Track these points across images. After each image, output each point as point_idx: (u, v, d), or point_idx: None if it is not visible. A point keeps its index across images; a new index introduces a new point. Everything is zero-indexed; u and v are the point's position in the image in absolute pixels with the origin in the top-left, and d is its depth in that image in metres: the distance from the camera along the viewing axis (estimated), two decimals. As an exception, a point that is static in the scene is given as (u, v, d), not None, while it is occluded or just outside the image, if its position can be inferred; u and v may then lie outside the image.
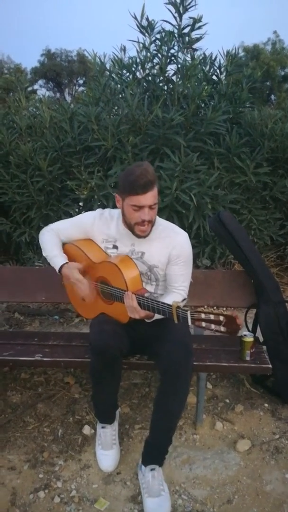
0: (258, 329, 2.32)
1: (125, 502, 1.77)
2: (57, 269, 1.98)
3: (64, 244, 2.05)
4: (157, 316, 1.82)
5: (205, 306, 1.53)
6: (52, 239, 2.03)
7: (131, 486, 1.84)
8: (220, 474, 1.91)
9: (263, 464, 1.96)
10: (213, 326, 1.50)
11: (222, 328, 1.48)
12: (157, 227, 1.92)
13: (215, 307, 1.51)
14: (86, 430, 2.15)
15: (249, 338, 2.05)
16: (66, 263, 1.97)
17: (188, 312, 1.55)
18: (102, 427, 1.99)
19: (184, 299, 1.91)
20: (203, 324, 1.52)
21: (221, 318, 1.48)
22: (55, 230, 2.04)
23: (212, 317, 1.49)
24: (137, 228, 1.82)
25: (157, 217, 1.97)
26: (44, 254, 2.04)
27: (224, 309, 1.50)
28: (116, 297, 1.86)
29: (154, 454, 1.82)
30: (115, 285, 1.86)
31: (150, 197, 1.76)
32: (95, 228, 1.96)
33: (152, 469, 1.78)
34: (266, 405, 2.34)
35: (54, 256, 2.00)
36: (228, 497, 1.79)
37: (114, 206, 1.99)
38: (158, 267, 1.91)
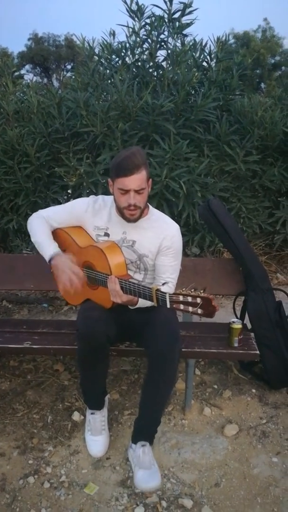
0: (246, 317, 2.35)
1: (115, 486, 1.79)
2: (47, 257, 1.91)
3: (54, 230, 2.03)
4: (140, 304, 1.83)
5: (183, 289, 1.53)
6: (42, 225, 1.98)
7: (120, 471, 1.87)
8: (208, 458, 1.94)
9: (250, 448, 2.00)
10: (190, 309, 1.51)
11: (199, 311, 1.49)
12: (150, 216, 1.92)
13: (193, 290, 1.52)
14: (76, 416, 2.16)
15: (237, 325, 2.07)
16: (59, 254, 1.89)
17: (167, 295, 1.56)
18: (91, 413, 2.01)
19: (164, 283, 1.86)
20: (181, 306, 1.53)
21: (198, 300, 1.48)
22: (45, 217, 1.99)
23: (189, 299, 1.50)
24: (126, 212, 1.82)
25: (151, 207, 1.97)
26: (32, 239, 1.98)
27: (202, 291, 1.50)
28: (100, 282, 1.86)
29: (144, 431, 1.86)
30: (99, 269, 1.86)
31: (135, 180, 1.75)
32: (87, 215, 1.95)
33: (143, 445, 1.83)
34: (253, 390, 2.37)
35: (43, 243, 1.93)
36: (216, 481, 1.83)
37: (104, 193, 1.97)
38: (148, 257, 1.91)
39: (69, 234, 1.98)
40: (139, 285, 1.71)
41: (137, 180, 1.75)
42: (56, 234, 2.02)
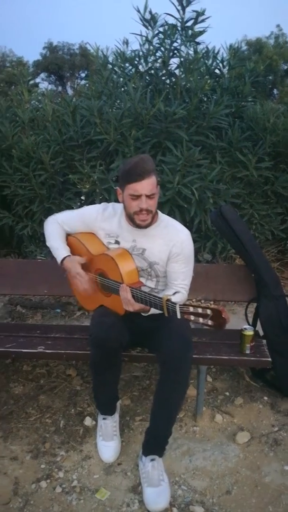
0: (258, 323, 2.34)
1: (126, 492, 1.80)
2: (59, 261, 2.01)
3: (67, 236, 2.07)
4: (153, 311, 1.84)
5: (193, 300, 1.53)
6: (57, 230, 2.06)
7: (131, 476, 1.87)
8: (219, 466, 1.93)
9: (262, 456, 1.99)
10: (201, 320, 1.50)
11: (210, 322, 1.49)
12: (159, 223, 1.93)
13: (203, 300, 1.51)
14: (88, 421, 2.17)
15: (249, 332, 2.06)
16: (69, 256, 1.99)
17: (177, 306, 1.56)
18: (103, 419, 2.02)
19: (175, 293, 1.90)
20: (192, 317, 1.52)
21: (208, 311, 1.48)
22: (60, 222, 2.06)
23: (200, 310, 1.49)
24: (137, 218, 1.83)
25: (160, 213, 1.98)
26: (47, 244, 2.07)
27: (212, 302, 1.50)
28: (113, 290, 1.88)
29: (154, 444, 1.85)
30: (112, 277, 1.88)
31: (146, 185, 1.77)
32: (97, 223, 1.98)
33: (152, 460, 1.81)
34: (265, 398, 2.36)
35: (58, 247, 2.02)
36: (227, 488, 1.82)
37: (116, 200, 2.00)
38: (158, 264, 1.92)
39: (81, 242, 2.01)
40: (150, 294, 1.71)
41: (148, 185, 1.77)
42: (70, 242, 2.06)
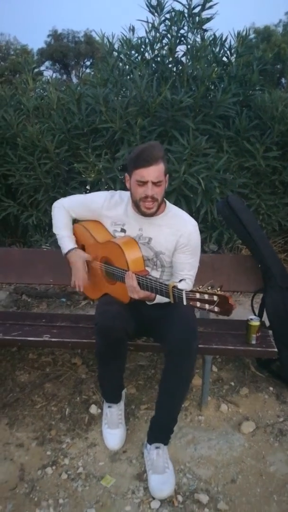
0: (264, 314, 2.33)
1: (131, 479, 1.81)
2: (64, 252, 2.02)
3: (73, 223, 2.09)
4: (158, 300, 1.84)
5: (200, 286, 1.52)
6: (64, 217, 2.07)
7: (136, 464, 1.88)
8: (224, 455, 1.94)
9: (267, 445, 1.99)
10: (207, 306, 1.50)
11: (216, 308, 1.48)
12: (166, 213, 1.92)
13: (209, 287, 1.51)
14: (93, 409, 2.18)
15: (255, 322, 2.06)
16: (75, 248, 2.01)
17: (183, 292, 1.56)
18: (109, 407, 2.03)
19: (181, 280, 1.90)
20: (198, 304, 1.52)
21: (215, 298, 1.47)
22: (66, 207, 2.07)
23: (206, 297, 1.49)
24: (142, 205, 1.82)
25: (168, 203, 1.96)
26: (54, 230, 2.09)
27: (218, 289, 1.49)
28: (118, 277, 1.87)
29: (159, 432, 1.86)
30: (117, 265, 1.88)
31: (153, 172, 1.75)
32: (104, 210, 1.97)
33: (157, 447, 1.82)
34: (271, 388, 2.36)
35: (64, 236, 2.05)
36: (232, 477, 1.83)
37: (122, 189, 1.98)
38: (164, 254, 1.92)
39: (88, 229, 2.01)
40: (156, 281, 1.71)
41: (156, 171, 1.76)
42: (76, 229, 2.06)
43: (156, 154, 1.75)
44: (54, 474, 1.84)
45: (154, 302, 1.87)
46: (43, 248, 3.55)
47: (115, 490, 1.76)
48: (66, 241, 2.04)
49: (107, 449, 1.95)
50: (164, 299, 1.74)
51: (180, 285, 1.63)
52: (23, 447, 1.97)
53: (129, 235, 1.92)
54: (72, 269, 2.03)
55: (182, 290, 1.57)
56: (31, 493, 1.75)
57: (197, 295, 1.52)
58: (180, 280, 1.77)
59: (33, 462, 1.90)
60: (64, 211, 2.06)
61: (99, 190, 3.26)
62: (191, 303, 1.54)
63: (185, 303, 1.56)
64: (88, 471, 1.85)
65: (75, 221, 2.11)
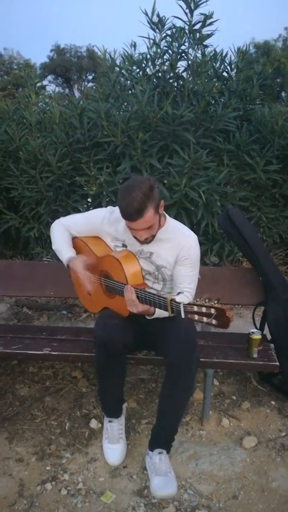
0: (266, 327, 2.32)
1: (131, 495, 1.79)
2: (64, 262, 2.00)
3: (73, 238, 2.08)
4: (158, 314, 1.84)
5: (197, 299, 1.53)
6: (62, 233, 2.05)
7: (137, 480, 1.86)
8: (226, 470, 1.91)
9: (269, 461, 1.97)
10: (205, 319, 1.51)
11: (214, 321, 1.49)
12: (166, 228, 1.93)
13: (207, 300, 1.52)
14: (93, 424, 2.17)
15: (257, 336, 2.05)
16: (73, 256, 1.99)
17: (181, 305, 1.56)
18: (109, 421, 2.01)
19: (179, 293, 1.89)
20: (196, 317, 1.53)
21: (212, 311, 1.49)
22: (66, 225, 2.06)
23: (204, 310, 1.50)
24: (138, 239, 1.85)
25: (168, 217, 1.97)
26: (53, 247, 2.07)
27: (216, 302, 1.50)
28: (117, 291, 1.88)
29: (161, 439, 1.86)
30: (116, 279, 1.88)
31: (141, 224, 1.74)
32: (104, 226, 1.98)
33: (159, 453, 1.83)
34: (272, 402, 2.34)
35: (62, 249, 2.02)
36: (233, 493, 1.80)
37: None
38: (166, 268, 1.92)
39: (87, 244, 2.01)
40: (155, 294, 1.72)
41: (143, 223, 1.74)
42: (75, 244, 2.07)
43: (139, 207, 1.68)
44: (54, 489, 1.81)
45: (154, 316, 1.87)
46: (44, 260, 3.55)
47: (115, 506, 1.74)
48: (65, 252, 2.00)
49: (108, 465, 1.93)
50: (164, 314, 1.75)
51: (178, 298, 1.64)
52: (23, 462, 1.95)
53: (128, 249, 1.93)
54: (74, 275, 2.00)
55: (180, 303, 1.58)
56: (30, 509, 1.72)
57: (195, 308, 1.53)
58: (179, 293, 1.78)
59: (32, 477, 1.88)
60: (63, 227, 2.06)
61: (100, 203, 3.30)
62: (189, 316, 1.55)
63: (183, 316, 1.57)
64: (88, 486, 1.83)
65: (74, 237, 2.11)
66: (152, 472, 1.79)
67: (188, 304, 1.56)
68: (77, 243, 2.06)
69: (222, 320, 1.48)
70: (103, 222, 1.98)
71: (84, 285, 1.96)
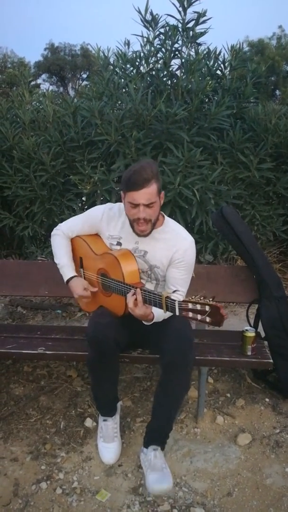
0: (260, 325, 2.33)
1: (126, 493, 1.79)
2: (65, 280, 2.05)
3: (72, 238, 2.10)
4: (155, 320, 1.84)
5: (193, 296, 1.53)
6: (62, 244, 2.07)
7: (132, 478, 1.86)
8: (220, 467, 1.92)
9: (264, 458, 1.98)
10: (199, 316, 1.51)
11: (207, 319, 1.49)
12: (164, 228, 1.92)
13: (202, 297, 1.52)
14: (88, 422, 2.17)
15: (251, 333, 2.06)
16: (75, 276, 2.03)
17: (176, 302, 1.57)
18: (104, 420, 2.01)
19: (175, 291, 1.91)
20: (190, 314, 1.53)
21: (207, 308, 1.48)
22: (65, 232, 2.07)
23: (198, 307, 1.50)
24: (136, 227, 1.83)
25: (167, 218, 1.97)
26: (55, 260, 2.09)
27: (211, 299, 1.50)
28: (113, 289, 1.88)
29: (156, 436, 1.87)
30: (113, 277, 1.88)
31: (144, 194, 1.74)
32: (102, 223, 1.98)
33: (154, 449, 1.83)
34: (267, 400, 2.35)
35: (63, 266, 2.05)
36: (228, 490, 1.81)
37: (118, 201, 1.99)
38: (159, 268, 1.92)
39: (86, 241, 2.02)
40: (150, 292, 1.71)
41: (147, 194, 1.74)
42: (74, 242, 2.07)
43: (147, 176, 1.73)
44: (49, 489, 1.81)
45: (151, 323, 1.86)
46: (39, 259, 3.55)
47: (110, 505, 1.74)
48: (66, 270, 2.05)
49: (102, 463, 1.93)
50: (160, 318, 1.79)
51: (173, 296, 1.64)
52: (17, 461, 1.95)
53: (126, 248, 1.93)
54: (74, 295, 2.05)
55: (174, 300, 1.58)
56: (25, 508, 1.72)
57: (190, 305, 1.53)
58: (174, 291, 1.78)
59: (27, 476, 1.87)
60: (64, 237, 2.07)
61: (94, 201, 3.30)
62: (183, 313, 1.55)
63: (177, 313, 1.57)
64: (83, 485, 1.83)
65: None
66: (148, 468, 1.80)
67: (183, 301, 1.55)
68: (77, 241, 2.07)
69: (216, 317, 1.48)
70: (102, 218, 1.98)
71: (84, 306, 2.07)
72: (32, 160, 3.35)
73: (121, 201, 1.96)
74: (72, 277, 2.03)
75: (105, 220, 1.97)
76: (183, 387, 1.83)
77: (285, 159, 3.45)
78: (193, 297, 1.53)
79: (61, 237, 2.08)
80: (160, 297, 1.65)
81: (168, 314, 1.67)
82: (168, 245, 1.89)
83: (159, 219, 1.90)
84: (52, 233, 2.12)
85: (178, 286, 1.90)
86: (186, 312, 1.54)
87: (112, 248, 1.97)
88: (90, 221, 2.02)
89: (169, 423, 1.87)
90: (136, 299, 1.73)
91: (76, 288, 2.00)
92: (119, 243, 1.95)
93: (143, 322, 1.86)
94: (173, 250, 1.88)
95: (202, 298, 1.52)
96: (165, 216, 1.97)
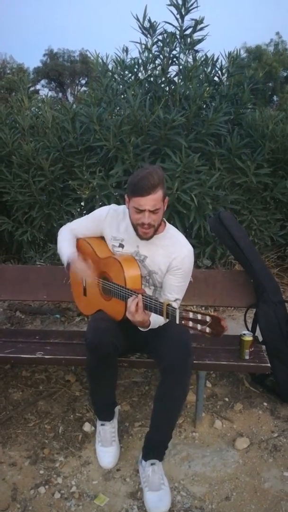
0: (258, 329, 2.34)
1: (125, 498, 1.79)
2: (65, 260, 1.97)
3: (77, 239, 2.10)
4: (151, 326, 1.85)
5: (194, 306, 1.54)
6: (66, 235, 2.08)
7: (130, 482, 1.87)
8: (218, 472, 1.93)
9: (262, 462, 1.98)
10: (199, 326, 1.51)
11: (207, 329, 1.50)
12: (164, 234, 1.94)
13: (203, 308, 1.52)
14: (87, 427, 2.17)
15: (248, 337, 2.07)
16: (74, 255, 1.97)
17: (177, 311, 1.57)
18: (102, 424, 2.01)
19: (176, 299, 1.89)
20: (190, 323, 1.53)
21: (208, 318, 1.49)
22: (71, 229, 2.10)
23: (199, 317, 1.51)
24: (140, 230, 1.84)
25: (168, 225, 1.98)
26: (58, 251, 2.07)
27: (212, 310, 1.51)
28: (114, 293, 1.88)
29: (154, 449, 1.85)
30: (115, 281, 1.89)
31: (150, 201, 1.75)
32: (106, 223, 1.99)
33: (152, 464, 1.82)
34: (265, 404, 2.36)
35: (63, 248, 2.01)
36: (226, 494, 1.81)
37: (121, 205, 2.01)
38: (157, 274, 1.93)
39: (90, 244, 2.03)
40: (151, 298, 1.72)
41: (152, 200, 1.76)
42: (79, 244, 2.09)
43: (154, 182, 1.74)
44: (47, 493, 1.81)
45: (147, 329, 1.87)
46: (38, 264, 3.55)
47: (108, 509, 1.74)
48: (65, 250, 1.99)
49: (101, 468, 1.94)
50: (157, 325, 1.80)
51: (174, 304, 1.65)
52: (16, 466, 1.95)
53: (130, 253, 1.94)
54: (75, 275, 1.99)
55: (175, 308, 1.58)
56: (23, 513, 1.72)
57: (190, 315, 1.53)
58: (175, 300, 1.79)
59: (25, 481, 1.87)
60: (68, 231, 2.09)
61: (93, 206, 3.31)
62: (183, 322, 1.56)
63: (178, 322, 1.57)
64: (81, 490, 1.83)
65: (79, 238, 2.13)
66: (146, 486, 1.78)
67: (184, 310, 1.56)
68: (81, 244, 2.08)
69: (216, 329, 1.49)
70: (106, 218, 1.99)
71: (84, 275, 1.94)
72: (31, 166, 3.37)
73: (121, 205, 1.97)
74: (71, 256, 1.95)
75: (109, 219, 1.99)
76: (182, 393, 1.82)
77: (282, 164, 3.48)
78: (194, 307, 1.54)
79: (66, 232, 2.09)
80: (161, 304, 1.65)
81: (166, 321, 1.68)
82: (167, 252, 1.90)
83: (160, 224, 1.91)
84: (60, 230, 2.13)
85: (174, 293, 1.91)
86: (187, 321, 1.55)
87: (115, 250, 1.98)
88: (95, 221, 2.04)
89: (168, 432, 1.85)
90: (137, 305, 1.74)
91: (76, 262, 1.93)
92: (121, 245, 1.96)
93: (139, 328, 1.87)
94: (171, 257, 1.89)
95: (203, 308, 1.52)
96: (166, 222, 1.98)
